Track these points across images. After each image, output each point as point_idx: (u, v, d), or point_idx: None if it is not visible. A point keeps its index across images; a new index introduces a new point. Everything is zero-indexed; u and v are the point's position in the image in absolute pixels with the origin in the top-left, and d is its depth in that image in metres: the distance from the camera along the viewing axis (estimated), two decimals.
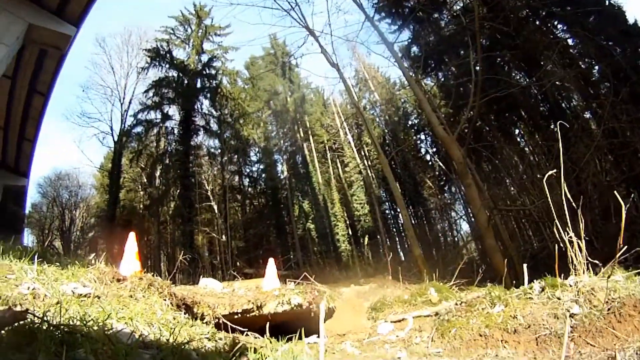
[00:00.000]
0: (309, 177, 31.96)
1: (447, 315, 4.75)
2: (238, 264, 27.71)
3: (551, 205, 4.51)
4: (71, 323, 2.19)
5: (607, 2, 16.09)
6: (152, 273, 5.19)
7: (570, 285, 3.94)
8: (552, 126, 16.90)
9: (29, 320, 1.88)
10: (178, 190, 29.83)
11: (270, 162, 33.35)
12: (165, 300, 4.34)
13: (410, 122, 33.68)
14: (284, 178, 33.00)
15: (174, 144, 31.57)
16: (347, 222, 31.87)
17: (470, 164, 14.10)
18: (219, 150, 32.77)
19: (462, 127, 14.18)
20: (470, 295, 5.23)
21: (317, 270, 20.51)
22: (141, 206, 33.98)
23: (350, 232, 31.49)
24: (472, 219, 25.32)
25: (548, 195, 4.73)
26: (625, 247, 3.77)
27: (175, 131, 31.60)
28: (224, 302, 5.82)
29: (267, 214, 32.31)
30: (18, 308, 2.31)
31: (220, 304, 5.74)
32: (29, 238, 39.82)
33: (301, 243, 30.60)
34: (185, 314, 4.36)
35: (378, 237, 29.86)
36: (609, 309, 3.45)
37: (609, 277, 3.76)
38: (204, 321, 4.66)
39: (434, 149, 31.21)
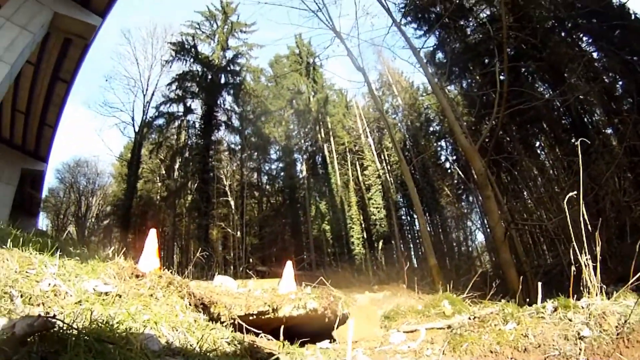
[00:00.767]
0: (328, 178, 32.94)
1: (460, 330, 4.88)
2: (251, 260, 28.82)
3: (569, 222, 4.60)
4: (98, 327, 2.25)
5: (632, 17, 16.24)
6: (169, 269, 5.78)
7: (582, 307, 3.99)
8: (573, 140, 17.05)
9: (57, 327, 1.92)
10: (196, 184, 31.14)
11: (289, 161, 34.36)
12: (184, 299, 4.50)
13: (431, 129, 34.45)
14: (303, 178, 34.01)
15: (194, 137, 33.12)
16: (363, 225, 32.69)
17: (490, 176, 14.24)
18: (239, 147, 33.97)
19: (484, 138, 14.46)
20: (483, 311, 5.27)
21: (330, 272, 21.38)
22: (158, 197, 35.34)
23: (365, 236, 32.33)
24: (488, 231, 25.53)
25: (567, 213, 4.67)
26: None
27: (197, 125, 33.10)
28: (240, 302, 5.99)
29: (283, 212, 33.34)
30: (40, 307, 2.40)
31: (237, 304, 5.92)
32: (44, 222, 41.59)
33: (316, 244, 31.50)
34: (203, 314, 4.56)
35: (393, 242, 30.66)
36: (618, 334, 3.53)
37: (618, 300, 3.92)
38: (221, 321, 4.84)
39: (454, 157, 31.86)
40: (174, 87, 33.11)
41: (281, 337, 5.15)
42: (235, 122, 33.99)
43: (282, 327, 5.49)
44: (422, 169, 31.82)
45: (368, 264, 30.16)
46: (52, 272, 3.28)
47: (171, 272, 5.17)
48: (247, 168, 34.50)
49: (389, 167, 34.82)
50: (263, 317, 6.04)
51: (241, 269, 26.66)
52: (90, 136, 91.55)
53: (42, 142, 22.60)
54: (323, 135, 35.05)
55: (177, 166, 34.19)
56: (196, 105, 33.87)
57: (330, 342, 6.02)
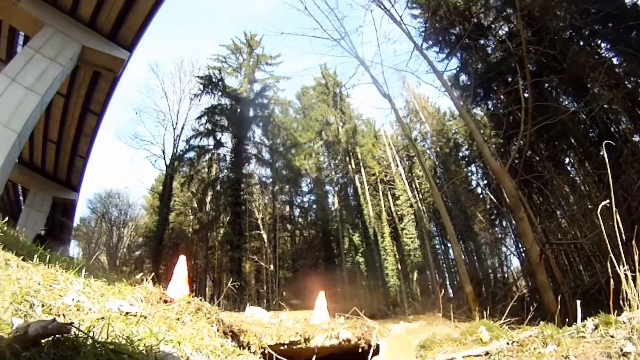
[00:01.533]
0: (360, 209, 33.96)
1: (498, 356, 4.87)
2: (284, 294, 29.66)
3: (604, 237, 4.68)
4: (117, 341, 2.26)
5: None
6: (200, 297, 5.86)
7: (624, 322, 3.92)
8: (602, 152, 16.77)
9: (72, 334, 1.93)
10: (228, 217, 32.31)
11: (321, 193, 35.65)
12: (212, 326, 4.62)
13: (460, 154, 35.36)
14: (335, 210, 35.14)
15: (225, 170, 34.72)
16: (397, 256, 33.57)
17: (522, 197, 14.33)
18: (270, 180, 35.38)
19: (513, 158, 14.72)
20: (522, 335, 5.20)
21: (364, 304, 22.58)
22: (190, 230, 36.94)
23: (399, 267, 33.13)
24: (523, 254, 26.19)
25: (602, 227, 4.69)
26: None
27: (227, 158, 34.76)
28: (271, 332, 6.06)
29: (316, 245, 34.44)
30: (61, 319, 2.32)
31: (267, 333, 5.99)
32: (75, 249, 43.74)
33: (349, 276, 32.22)
34: (231, 341, 4.66)
35: (427, 272, 31.33)
36: None
37: None
38: (251, 351, 4.94)
39: (485, 182, 32.21)
40: (203, 120, 35.00)
41: None
42: (266, 155, 35.61)
43: (314, 357, 5.55)
44: (453, 196, 32.42)
45: (403, 295, 30.68)
46: (77, 289, 3.30)
47: (201, 301, 5.34)
48: (279, 201, 35.76)
49: (420, 195, 35.66)
50: (294, 347, 6.15)
51: (274, 302, 27.39)
52: (121, 168, 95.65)
53: (73, 172, 24.52)
54: (353, 166, 36.27)
55: (208, 199, 35.84)
56: (226, 138, 35.65)
57: None
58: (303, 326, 6.58)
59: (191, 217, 38.22)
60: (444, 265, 35.34)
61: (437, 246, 35.80)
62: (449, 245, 32.49)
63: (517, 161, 14.64)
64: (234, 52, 37.56)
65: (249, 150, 34.73)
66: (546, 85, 19.18)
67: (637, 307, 3.90)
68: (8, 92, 11.71)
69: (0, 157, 10.99)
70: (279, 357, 5.03)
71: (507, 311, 7.40)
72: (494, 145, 22.47)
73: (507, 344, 5.02)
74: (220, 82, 35.79)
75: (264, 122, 35.76)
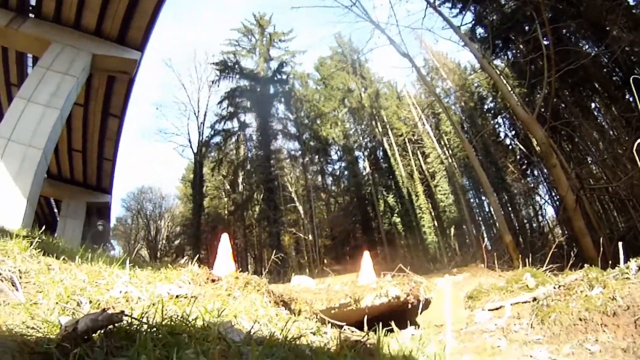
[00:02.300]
0: (392, 171, 35.28)
1: (546, 300, 4.90)
2: (325, 261, 30.59)
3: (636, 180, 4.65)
4: (172, 322, 2.19)
5: None
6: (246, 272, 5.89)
7: None
8: (627, 96, 17.58)
9: (124, 323, 1.87)
10: (262, 194, 34.18)
11: (351, 159, 36.79)
12: (264, 297, 4.57)
13: (486, 107, 35.70)
14: (367, 174, 36.32)
15: (253, 150, 36.70)
16: (433, 213, 34.74)
17: (553, 144, 14.21)
18: (300, 152, 37.14)
19: (539, 106, 14.66)
20: (567, 279, 5.22)
21: (405, 263, 24.03)
22: (226, 212, 39.24)
23: (436, 224, 34.31)
24: (557, 203, 26.87)
25: (636, 171, 4.75)
26: None
27: (254, 137, 36.83)
28: (321, 297, 6.33)
29: (352, 210, 35.81)
30: (111, 311, 2.04)
31: (317, 299, 6.23)
32: (115, 248, 46.48)
33: (388, 238, 33.43)
34: (284, 309, 4.66)
35: (464, 227, 32.44)
36: None
37: None
38: (304, 317, 4.92)
39: (513, 132, 32.73)
40: (224, 104, 37.02)
41: (365, 327, 5.16)
42: (292, 129, 37.19)
43: (366, 317, 5.50)
44: (483, 150, 32.69)
45: (442, 251, 31.83)
46: (124, 281, 3.30)
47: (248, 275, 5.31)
48: (310, 172, 37.33)
49: (450, 151, 36.28)
50: (345, 310, 6.43)
51: (316, 270, 28.79)
52: (151, 164, 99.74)
53: (103, 176, 25.18)
54: (380, 129, 37.40)
55: (240, 180, 37.79)
56: (250, 118, 37.47)
57: (415, 329, 6.26)
58: (351, 288, 7.02)
59: (225, 199, 40.31)
60: (480, 218, 36.08)
61: (472, 200, 36.54)
62: (483, 198, 33.61)
63: (544, 109, 15.15)
64: (245, 34, 38.73)
65: (274, 126, 36.29)
66: (564, 31, 19.31)
67: None
68: (26, 112, 12.05)
69: (28, 176, 11.37)
70: (331, 320, 4.92)
71: (547, 259, 7.59)
72: (518, 96, 23.58)
73: (554, 288, 5.14)
74: (236, 65, 37.31)
75: (286, 98, 37.14)
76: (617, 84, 18.74)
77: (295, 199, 35.63)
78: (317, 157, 38.16)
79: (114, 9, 14.28)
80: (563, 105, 21.20)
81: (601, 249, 7.83)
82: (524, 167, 32.49)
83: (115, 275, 3.46)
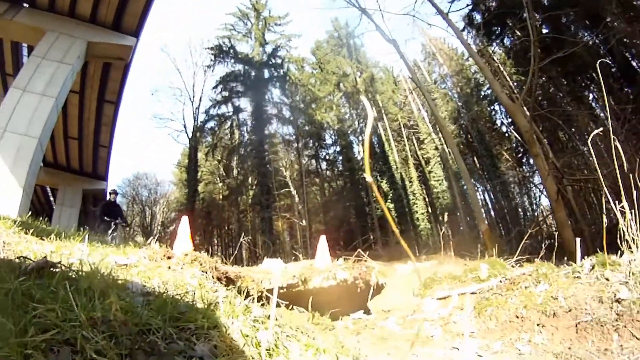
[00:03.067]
0: (386, 156, 35.23)
1: (487, 293, 4.86)
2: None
3: (617, 173, 4.18)
4: (91, 271, 2.44)
5: None
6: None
7: (621, 265, 3.81)
8: (624, 89, 17.75)
9: (61, 269, 2.25)
10: (256, 179, 34.45)
11: (346, 144, 36.73)
12: (206, 273, 4.80)
13: (482, 94, 35.24)
14: (361, 159, 35.72)
15: (247, 134, 36.61)
16: (426, 200, 34.89)
17: (538, 132, 14.86)
18: (294, 137, 37.00)
19: (525, 93, 14.17)
20: (515, 272, 5.19)
21: (395, 250, 23.17)
22: (220, 197, 39.28)
23: (430, 210, 34.51)
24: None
25: (614, 162, 4.38)
26: None
27: (248, 122, 36.83)
28: (270, 277, 6.40)
29: (345, 195, 35.91)
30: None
31: (266, 279, 6.29)
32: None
33: (380, 223, 33.51)
34: (226, 286, 4.73)
35: (458, 213, 32.06)
36: None
37: None
38: (250, 295, 4.47)
39: (509, 120, 31.42)
40: (219, 89, 36.83)
41: (309, 308, 5.38)
42: (286, 114, 37.10)
43: (311, 298, 5.64)
44: (478, 136, 32.98)
45: (435, 237, 30.94)
46: (84, 252, 3.67)
47: (200, 253, 5.66)
48: (304, 157, 37.22)
49: (444, 137, 36.26)
50: (294, 290, 6.53)
51: (308, 256, 29.67)
52: (146, 150, 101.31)
53: (99, 163, 25.51)
54: (375, 114, 36.73)
55: (234, 164, 38.06)
56: (245, 103, 37.39)
57: (364, 313, 6.44)
58: (301, 269, 7.12)
59: (220, 184, 40.36)
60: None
61: (465, 186, 36.40)
62: (478, 185, 33.63)
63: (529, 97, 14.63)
64: (241, 18, 38.42)
65: (268, 111, 36.27)
66: (564, 20, 19.39)
67: (638, 248, 3.71)
68: (22, 102, 12.20)
69: (24, 166, 11.50)
70: (278, 300, 5.19)
71: (521, 249, 7.19)
72: (515, 83, 23.06)
73: (500, 281, 5.08)
74: (231, 50, 37.16)
75: (281, 82, 36.98)
76: (615, 75, 18.76)
77: (290, 183, 35.60)
78: (311, 141, 38.07)
79: None
80: (560, 94, 21.27)
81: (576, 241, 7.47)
82: (519, 155, 32.20)
83: (77, 249, 3.91)
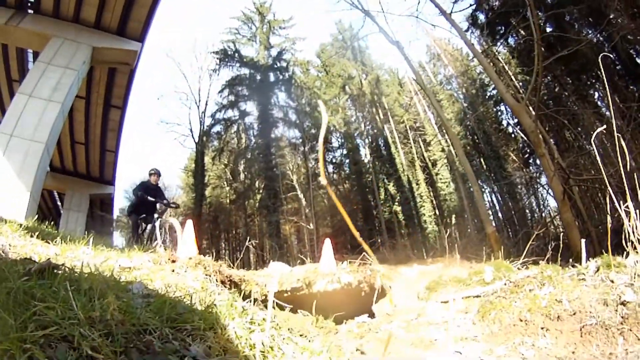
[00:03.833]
0: (392, 158, 35.03)
1: (492, 297, 4.80)
2: None
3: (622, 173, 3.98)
4: (92, 272, 2.47)
5: None
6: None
7: (626, 267, 3.74)
8: (629, 87, 17.57)
9: (64, 270, 2.26)
10: (263, 183, 34.48)
11: (352, 147, 36.69)
12: (209, 276, 4.79)
13: (488, 94, 34.86)
14: (368, 161, 36.13)
15: (254, 138, 36.70)
16: (434, 202, 34.60)
17: (543, 132, 14.72)
18: (300, 140, 37.02)
19: (529, 93, 14.21)
20: (520, 275, 5.12)
21: (402, 253, 23.46)
22: (227, 201, 39.24)
23: (437, 213, 34.11)
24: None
25: (619, 162, 3.90)
26: None
27: (255, 126, 36.75)
28: (274, 281, 6.46)
29: (352, 198, 35.77)
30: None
31: (270, 282, 6.29)
32: (119, 240, 46.65)
33: (387, 226, 33.41)
34: (230, 289, 4.80)
35: (466, 216, 31.80)
36: None
37: None
38: (253, 299, 4.54)
39: (515, 120, 30.93)
40: (225, 93, 36.97)
41: (314, 312, 5.40)
42: (292, 117, 37.05)
43: (315, 301, 5.69)
44: (484, 137, 32.71)
45: (443, 240, 31.76)
46: (88, 255, 3.70)
47: (204, 257, 5.70)
48: (310, 160, 36.79)
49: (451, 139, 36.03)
50: (298, 294, 6.54)
51: (314, 259, 29.45)
52: (153, 154, 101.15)
53: (105, 167, 25.54)
54: (381, 117, 37.03)
55: (241, 168, 38.08)
56: (251, 107, 37.37)
57: (368, 317, 6.43)
58: (305, 273, 7.10)
59: (227, 188, 40.29)
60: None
61: (472, 188, 36.22)
62: (485, 187, 33.26)
63: (534, 97, 14.46)
64: (245, 22, 38.53)
65: (275, 114, 36.28)
66: (568, 18, 19.23)
67: None
68: (28, 107, 12.23)
69: (31, 171, 11.57)
70: (282, 303, 5.18)
71: (527, 251, 7.21)
72: (520, 82, 22.94)
73: (504, 284, 5.02)
74: (236, 54, 37.21)
75: (286, 85, 37.02)
76: (620, 73, 18.71)
77: (297, 187, 35.62)
78: (317, 144, 37.56)
79: (112, 2, 14.44)
80: (566, 93, 21.10)
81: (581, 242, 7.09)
82: (526, 156, 32.04)
83: (82, 252, 3.90)
